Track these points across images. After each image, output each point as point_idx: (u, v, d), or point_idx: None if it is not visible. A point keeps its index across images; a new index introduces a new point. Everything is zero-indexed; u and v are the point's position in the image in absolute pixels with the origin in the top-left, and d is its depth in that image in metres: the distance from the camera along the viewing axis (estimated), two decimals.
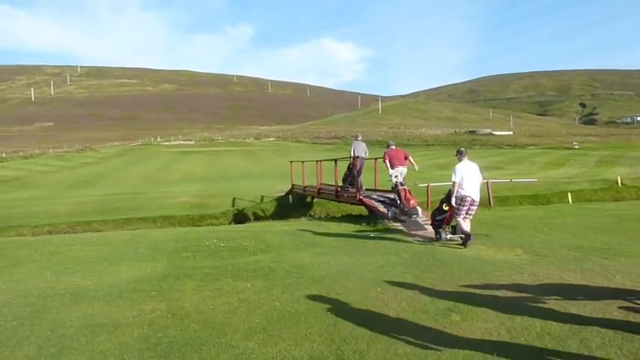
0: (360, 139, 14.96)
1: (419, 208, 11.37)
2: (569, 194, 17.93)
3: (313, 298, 5.35)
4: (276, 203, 19.63)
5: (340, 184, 15.14)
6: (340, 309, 4.92)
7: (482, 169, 8.91)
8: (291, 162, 20.88)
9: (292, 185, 19.92)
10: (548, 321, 4.40)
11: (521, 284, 5.65)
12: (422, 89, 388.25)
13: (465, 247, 8.18)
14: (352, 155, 14.37)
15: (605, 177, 24.56)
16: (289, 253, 8.39)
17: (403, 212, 11.21)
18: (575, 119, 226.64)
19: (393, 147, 12.42)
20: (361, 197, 13.13)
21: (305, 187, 18.17)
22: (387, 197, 12.62)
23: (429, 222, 10.01)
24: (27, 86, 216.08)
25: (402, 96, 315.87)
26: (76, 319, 4.89)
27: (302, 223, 14.08)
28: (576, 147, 62.61)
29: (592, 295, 5.15)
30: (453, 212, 8.70)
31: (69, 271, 7.23)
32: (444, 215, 8.96)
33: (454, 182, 8.44)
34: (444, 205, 8.90)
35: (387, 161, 11.84)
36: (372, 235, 10.09)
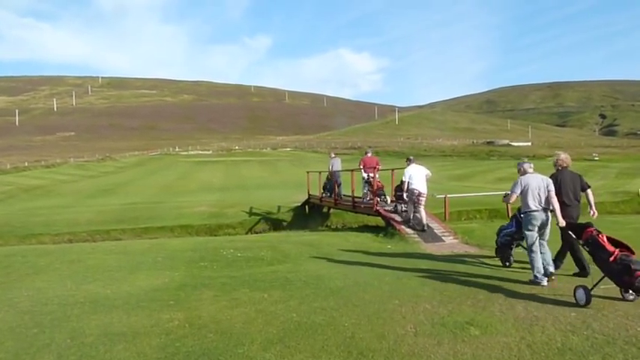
0: (334, 156, 18.06)
1: (386, 195, 14.62)
2: None
3: (330, 309, 5.33)
4: (293, 213, 19.66)
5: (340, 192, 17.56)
6: (357, 321, 4.89)
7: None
8: (307, 172, 20.91)
9: (309, 195, 19.94)
10: (570, 336, 4.32)
11: (541, 298, 5.56)
12: (439, 100, 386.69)
13: (419, 230, 11.23)
14: (330, 170, 17.21)
15: (627, 189, 24.14)
16: (306, 263, 8.40)
17: (373, 193, 14.25)
18: (594, 130, 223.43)
19: (369, 154, 15.81)
20: (378, 208, 13.18)
21: (322, 197, 18.19)
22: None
23: (446, 233, 10.45)
24: (50, 97, 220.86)
25: (419, 106, 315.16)
26: (95, 327, 4.95)
27: (319, 233, 14.08)
28: (596, 159, 61.69)
29: (614, 309, 5.05)
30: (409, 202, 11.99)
31: (88, 280, 7.33)
32: (402, 192, 12.33)
33: (403, 181, 11.77)
34: (397, 190, 12.83)
35: (361, 166, 15.29)
36: (389, 246, 10.05)
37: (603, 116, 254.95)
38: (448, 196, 17.10)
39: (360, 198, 15.62)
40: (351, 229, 15.02)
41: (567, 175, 7.09)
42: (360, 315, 5.09)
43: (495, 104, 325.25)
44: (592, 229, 5.52)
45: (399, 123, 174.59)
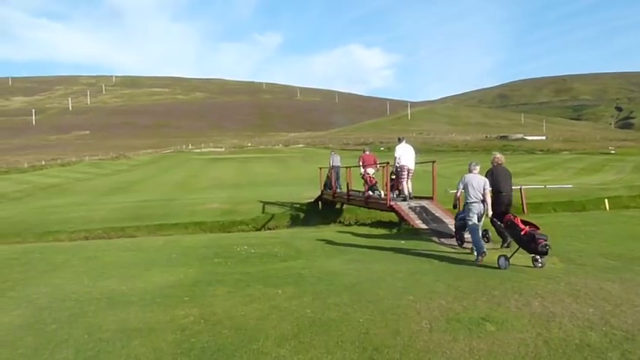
0: (335, 153, 19.28)
1: (380, 189, 15.07)
2: (606, 201, 17.36)
3: (344, 305, 5.32)
4: (306, 209, 19.65)
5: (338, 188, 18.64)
6: (372, 317, 4.88)
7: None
8: (320, 168, 20.88)
9: (321, 191, 19.92)
10: (588, 332, 4.27)
11: (557, 294, 5.49)
12: (451, 94, 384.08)
13: (406, 201, 12.78)
14: (331, 165, 18.47)
15: None
16: (319, 259, 8.39)
17: (369, 189, 15.36)
18: (610, 124, 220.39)
19: (367, 152, 16.49)
20: (392, 204, 13.13)
21: (334, 193, 18.16)
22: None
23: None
24: (65, 96, 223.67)
25: (431, 101, 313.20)
26: (112, 323, 5.01)
27: (331, 229, 14.06)
28: (613, 152, 60.81)
29: (633, 305, 4.97)
30: (398, 181, 13.49)
31: (105, 276, 7.41)
32: (392, 183, 13.79)
33: (395, 156, 13.30)
34: (392, 175, 13.76)
35: (361, 162, 15.83)
36: (403, 242, 10.00)
37: (619, 109, 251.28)
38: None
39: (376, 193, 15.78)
40: (365, 225, 14.96)
41: (502, 171, 8.82)
42: (375, 311, 5.08)
43: (508, 98, 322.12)
44: (509, 215, 7.56)
45: (411, 118, 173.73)
